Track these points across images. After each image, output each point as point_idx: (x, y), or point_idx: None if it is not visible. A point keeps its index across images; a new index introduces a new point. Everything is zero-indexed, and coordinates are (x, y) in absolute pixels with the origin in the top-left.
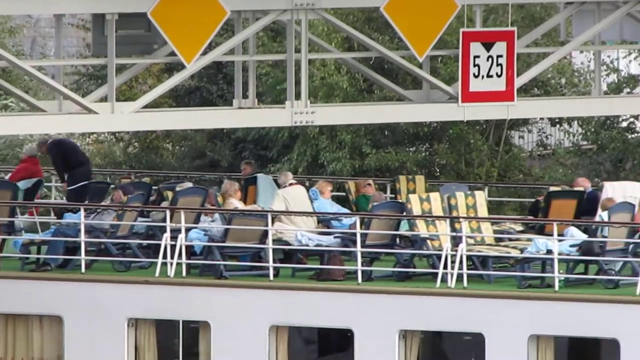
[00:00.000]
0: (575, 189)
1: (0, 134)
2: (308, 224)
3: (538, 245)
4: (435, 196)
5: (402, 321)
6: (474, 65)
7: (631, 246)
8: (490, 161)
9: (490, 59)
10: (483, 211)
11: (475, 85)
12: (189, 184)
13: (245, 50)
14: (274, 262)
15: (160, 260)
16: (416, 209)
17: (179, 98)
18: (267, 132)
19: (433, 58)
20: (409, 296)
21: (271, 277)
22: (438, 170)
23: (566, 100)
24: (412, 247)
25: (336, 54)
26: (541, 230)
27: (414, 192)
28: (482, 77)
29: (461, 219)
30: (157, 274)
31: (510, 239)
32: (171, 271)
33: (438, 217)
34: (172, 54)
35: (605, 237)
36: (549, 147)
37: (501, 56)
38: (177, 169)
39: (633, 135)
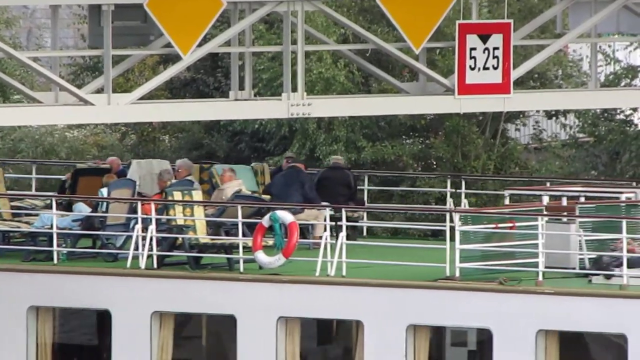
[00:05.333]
0: (101, 166)
1: None
2: None
3: (44, 219)
4: None
5: None
6: (470, 58)
7: (132, 221)
8: (487, 154)
9: (486, 51)
10: (1, 187)
11: (472, 78)
12: None
13: (241, 42)
14: None
15: None
16: None
17: (175, 90)
18: (265, 127)
19: (431, 50)
20: None
21: None
22: (435, 163)
23: (563, 93)
24: None
25: (332, 46)
26: (70, 207)
27: None
28: (479, 69)
29: None
30: None
31: (28, 214)
32: None
33: None
34: (169, 45)
35: (105, 212)
36: (544, 141)
37: (497, 48)
38: (174, 160)
39: (631, 128)
